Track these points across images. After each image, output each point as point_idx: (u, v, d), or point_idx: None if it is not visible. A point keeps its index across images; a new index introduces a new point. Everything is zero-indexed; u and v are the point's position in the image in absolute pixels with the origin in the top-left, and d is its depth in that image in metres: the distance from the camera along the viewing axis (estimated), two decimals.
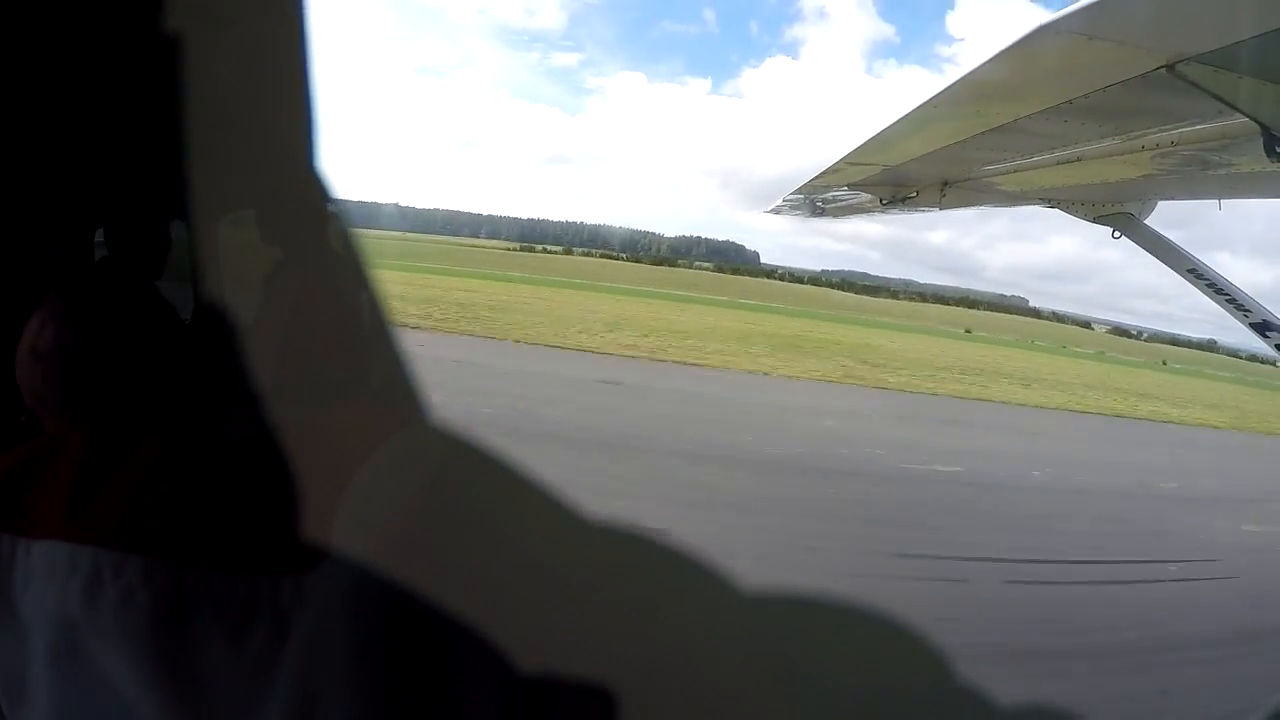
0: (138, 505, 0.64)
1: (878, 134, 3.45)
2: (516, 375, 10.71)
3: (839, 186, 4.74)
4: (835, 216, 5.81)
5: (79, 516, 0.63)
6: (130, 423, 0.71)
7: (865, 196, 4.84)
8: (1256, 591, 5.47)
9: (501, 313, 18.82)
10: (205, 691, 0.60)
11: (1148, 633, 4.52)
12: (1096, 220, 4.25)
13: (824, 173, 4.38)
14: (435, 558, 0.54)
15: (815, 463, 7.70)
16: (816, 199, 5.34)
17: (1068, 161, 3.34)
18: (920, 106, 2.96)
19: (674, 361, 14.35)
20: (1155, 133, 2.83)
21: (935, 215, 5.06)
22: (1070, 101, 2.55)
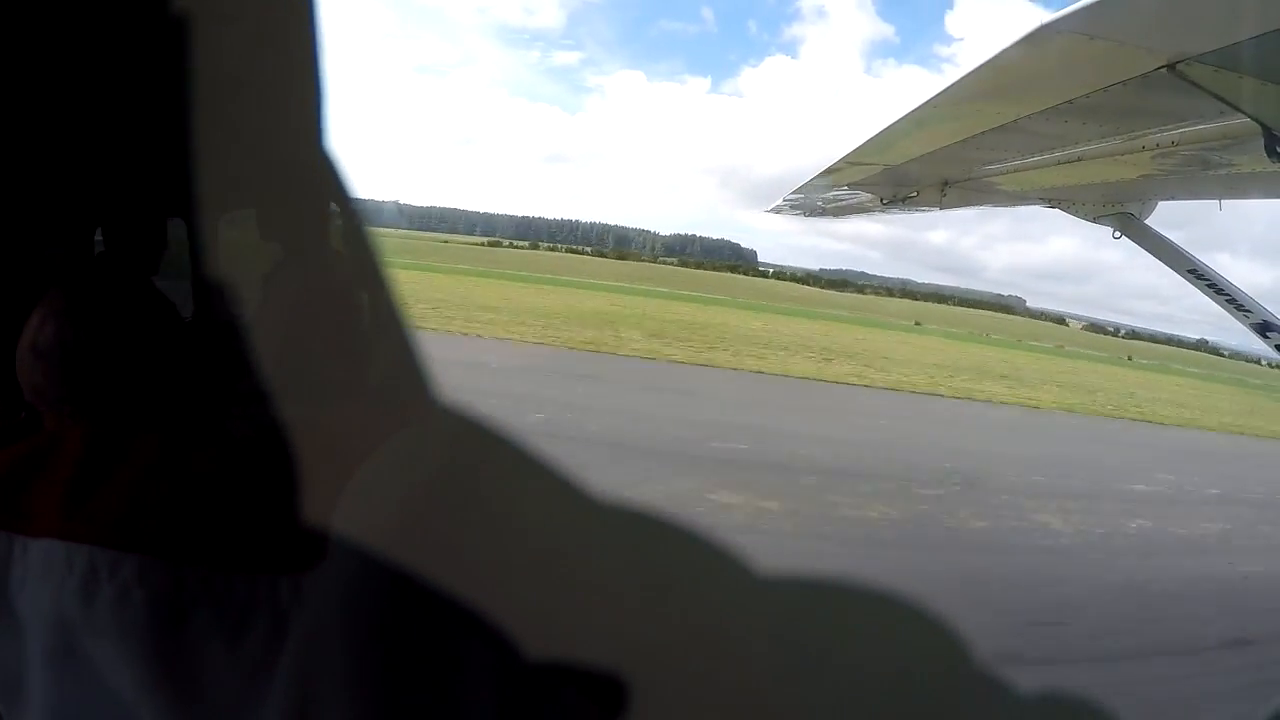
0: (135, 503, 0.64)
1: (878, 134, 3.44)
2: None
3: (840, 186, 4.73)
4: (836, 216, 5.81)
5: (76, 514, 0.63)
6: (129, 420, 0.71)
7: (866, 196, 4.84)
8: None
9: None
10: (202, 691, 0.59)
11: None
12: (1097, 220, 4.25)
13: (825, 172, 4.37)
14: (445, 542, 0.54)
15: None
16: (817, 198, 5.34)
17: (1068, 161, 3.34)
18: (921, 106, 2.96)
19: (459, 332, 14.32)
20: (1156, 132, 2.82)
21: (935, 215, 5.06)
22: (1071, 101, 2.55)
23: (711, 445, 7.73)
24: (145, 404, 0.73)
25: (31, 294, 0.73)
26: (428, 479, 0.58)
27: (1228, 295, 3.85)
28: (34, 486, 0.65)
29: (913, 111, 3.04)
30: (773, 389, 12.95)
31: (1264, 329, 3.80)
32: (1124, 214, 4.13)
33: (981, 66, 2.47)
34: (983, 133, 3.09)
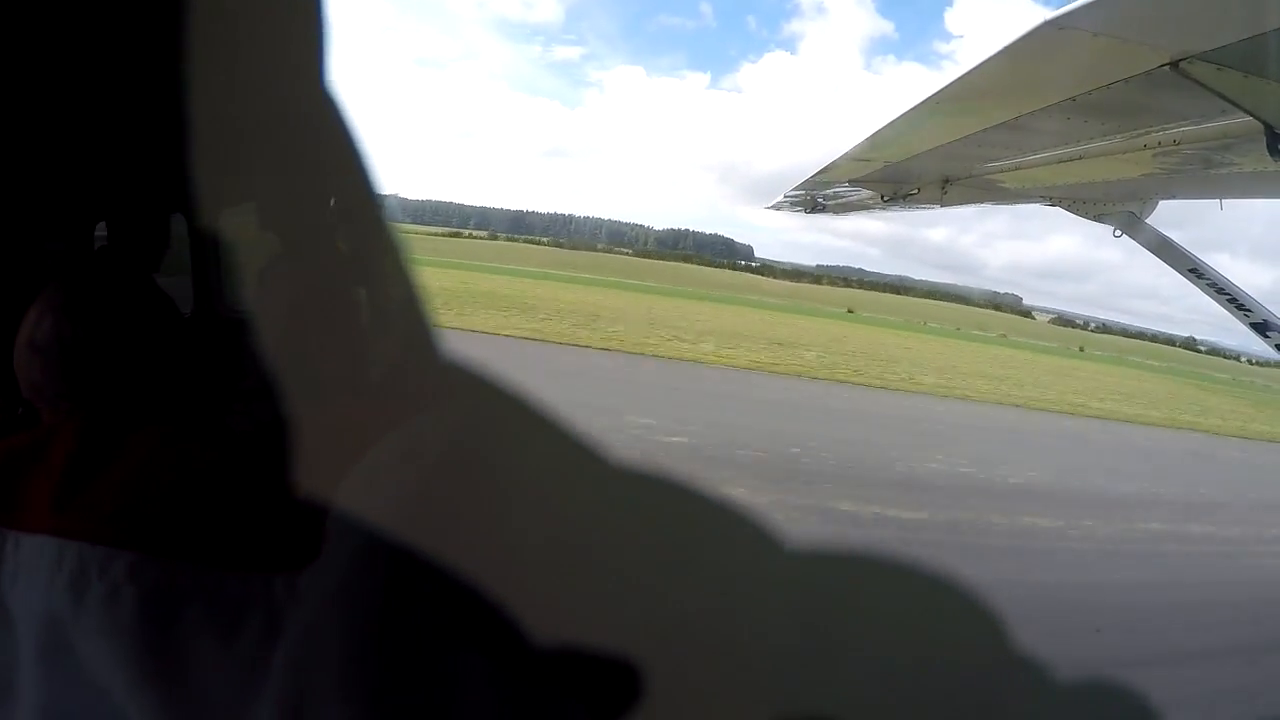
0: (129, 499, 0.64)
1: (879, 130, 3.43)
2: None
3: (840, 182, 4.72)
4: (836, 213, 5.79)
5: (68, 509, 0.63)
6: (126, 416, 0.71)
7: (866, 193, 4.83)
8: None
9: None
10: (194, 690, 0.59)
11: None
12: (1098, 218, 4.24)
13: (826, 169, 4.36)
14: (444, 535, 0.53)
15: None
16: (818, 195, 5.32)
17: (1070, 159, 3.33)
18: (922, 103, 2.95)
19: None
20: (1158, 131, 2.81)
21: (936, 213, 5.05)
22: (1073, 98, 2.54)
23: None
24: (142, 400, 0.73)
25: (30, 288, 0.72)
26: (426, 472, 0.57)
27: (1228, 294, 3.85)
28: (27, 481, 0.65)
29: (914, 108, 3.03)
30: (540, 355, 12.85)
31: (1264, 328, 3.79)
32: (1125, 212, 4.12)
33: (984, 63, 2.46)
34: (984, 130, 3.08)
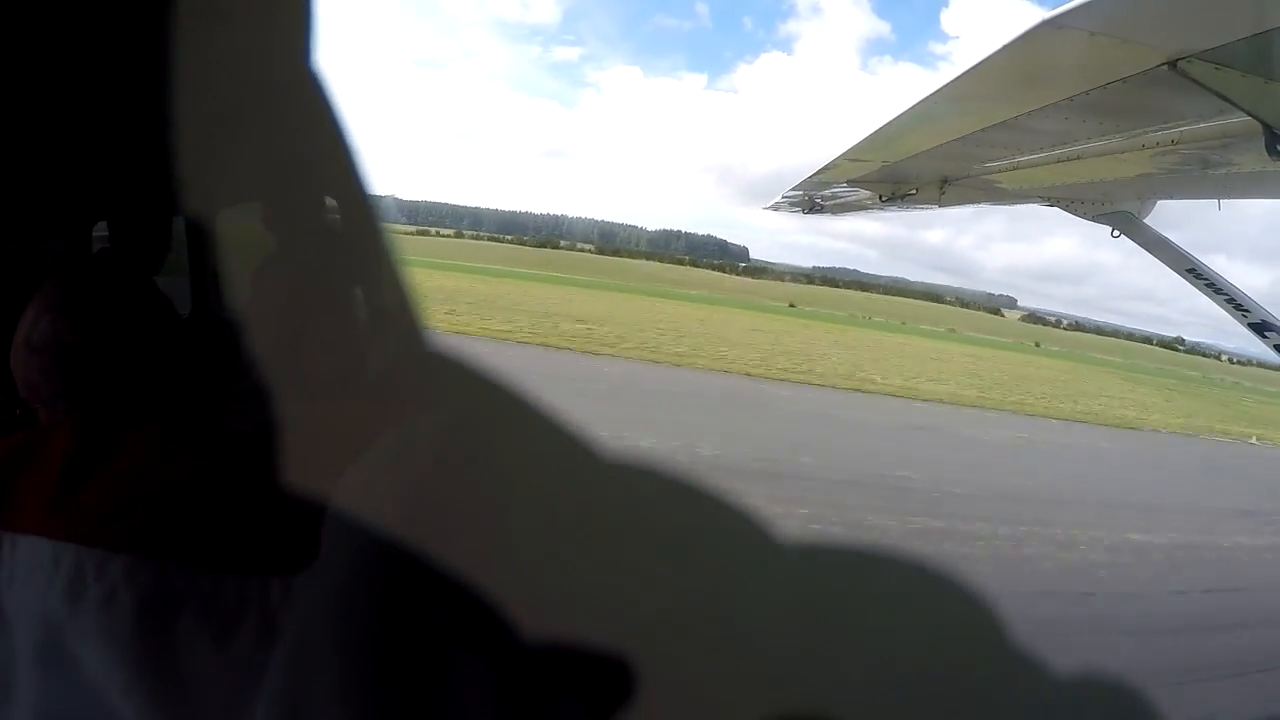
0: (125, 501, 0.63)
1: (877, 130, 3.43)
2: None
3: (838, 183, 4.72)
4: (834, 213, 5.79)
5: (64, 510, 0.62)
6: (123, 417, 0.70)
7: (864, 193, 4.83)
8: None
9: None
10: (190, 694, 0.59)
11: None
12: (1096, 219, 4.25)
13: (824, 169, 4.36)
14: (442, 535, 0.53)
15: None
16: (816, 195, 5.32)
17: (1068, 159, 3.34)
18: (920, 102, 2.95)
19: None
20: (1156, 131, 2.82)
21: (933, 215, 5.05)
22: (1071, 98, 2.54)
23: None
24: (140, 401, 0.72)
25: (28, 287, 0.72)
26: (425, 470, 0.57)
27: (1226, 294, 3.86)
28: (23, 482, 0.64)
29: (912, 108, 3.03)
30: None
31: (1262, 328, 3.80)
32: (1123, 213, 4.13)
33: (982, 63, 2.46)
34: (982, 130, 3.08)
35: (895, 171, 4.16)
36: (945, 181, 4.36)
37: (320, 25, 0.64)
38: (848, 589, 0.53)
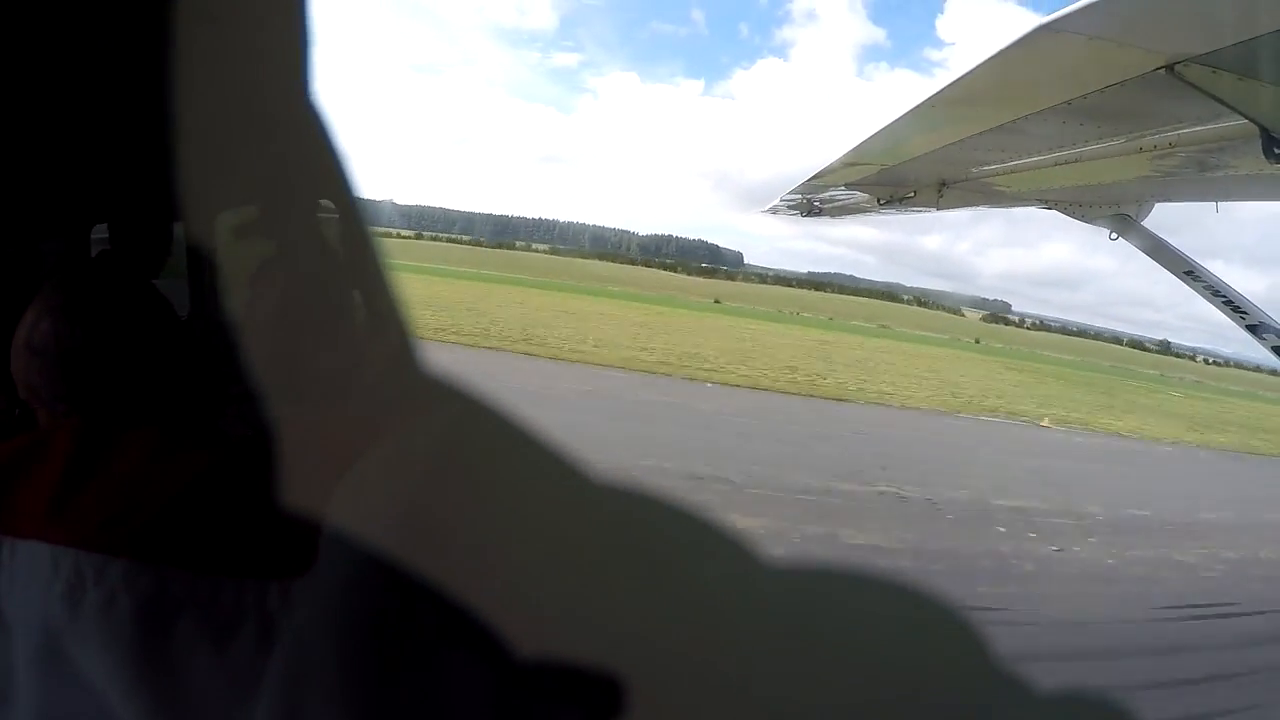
0: (124, 505, 0.63)
1: (875, 134, 3.44)
2: None
3: (836, 186, 4.73)
4: (833, 217, 5.79)
5: (63, 514, 0.62)
6: (122, 420, 0.70)
7: (862, 197, 4.84)
8: None
9: None
10: (188, 699, 0.59)
11: None
12: (1094, 222, 4.26)
13: (821, 172, 4.37)
14: (439, 541, 0.53)
15: None
16: (814, 199, 5.33)
17: (1066, 162, 3.34)
18: (918, 106, 2.96)
19: None
20: (1154, 134, 2.83)
21: (930, 220, 5.08)
22: (1069, 102, 2.55)
23: None
24: (139, 404, 0.72)
25: (28, 290, 0.72)
26: (420, 478, 0.57)
27: (1223, 296, 3.86)
28: (22, 486, 0.64)
29: (910, 111, 3.04)
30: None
31: (1259, 330, 3.81)
32: (1121, 215, 4.14)
33: (980, 66, 2.47)
34: (980, 133, 3.09)
35: (894, 174, 4.17)
36: (943, 184, 4.37)
37: (318, 31, 0.65)
38: (832, 606, 0.54)
